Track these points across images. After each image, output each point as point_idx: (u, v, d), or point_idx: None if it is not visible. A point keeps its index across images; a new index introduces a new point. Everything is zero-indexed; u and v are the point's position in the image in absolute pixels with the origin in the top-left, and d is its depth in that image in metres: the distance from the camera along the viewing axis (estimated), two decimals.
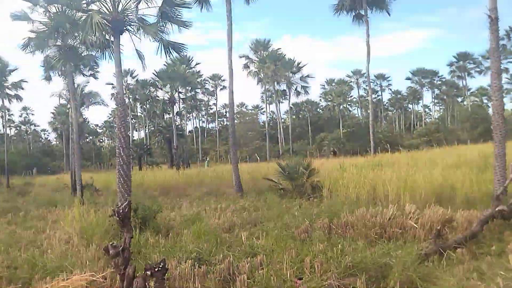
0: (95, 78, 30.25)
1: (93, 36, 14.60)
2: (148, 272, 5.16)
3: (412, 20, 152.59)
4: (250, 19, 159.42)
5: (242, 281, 5.92)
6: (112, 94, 60.87)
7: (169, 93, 47.55)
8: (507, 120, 13.97)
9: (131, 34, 15.58)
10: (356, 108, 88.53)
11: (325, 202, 13.72)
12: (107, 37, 16.03)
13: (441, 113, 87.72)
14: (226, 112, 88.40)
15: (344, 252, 7.13)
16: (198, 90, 67.15)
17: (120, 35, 15.26)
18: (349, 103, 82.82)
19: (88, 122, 73.22)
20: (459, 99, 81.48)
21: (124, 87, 46.87)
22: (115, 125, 18.85)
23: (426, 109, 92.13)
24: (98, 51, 18.02)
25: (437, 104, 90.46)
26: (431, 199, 11.76)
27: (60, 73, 27.08)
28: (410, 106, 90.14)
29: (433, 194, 12.26)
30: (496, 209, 8.77)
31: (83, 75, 29.58)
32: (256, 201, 15.47)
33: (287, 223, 10.30)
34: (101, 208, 14.79)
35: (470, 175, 13.24)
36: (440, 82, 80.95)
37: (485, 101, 74.00)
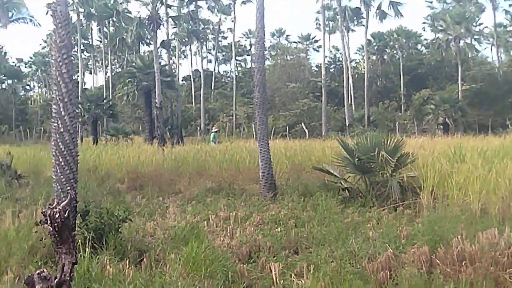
0: None
1: None
2: None
3: None
4: None
5: None
6: (48, 5, 61.13)
7: (150, 7, 47.53)
8: None
9: None
10: (489, 46, 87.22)
11: (424, 216, 13.64)
12: None
13: None
14: (250, 44, 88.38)
15: None
16: (202, 3, 67.15)
17: None
18: (476, 36, 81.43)
19: (5, 53, 74.17)
20: None
21: None
22: (51, 61, 18.94)
23: None
24: None
25: None
26: None
27: None
28: None
29: None
30: None
31: None
32: (300, 209, 15.48)
33: (354, 250, 10.29)
34: (25, 208, 15.05)
35: None
36: None
37: None
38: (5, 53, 73.58)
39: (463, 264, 9.04)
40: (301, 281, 8.70)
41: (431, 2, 78.88)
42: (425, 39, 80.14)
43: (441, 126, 52.87)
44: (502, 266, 8.82)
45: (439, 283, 8.34)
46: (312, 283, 8.54)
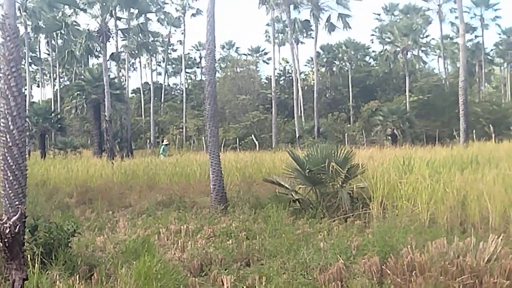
0: None
1: None
2: None
3: None
4: None
5: None
6: None
7: (100, 19, 47.34)
8: None
9: None
10: (436, 58, 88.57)
11: (374, 226, 13.77)
12: None
13: None
14: (200, 57, 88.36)
15: None
16: (152, 16, 67.03)
17: None
18: (423, 48, 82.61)
19: None
20: None
21: (17, 5, 46.67)
22: (0, 75, 18.84)
23: None
24: None
25: None
26: None
27: None
28: None
29: None
30: None
31: None
32: (251, 221, 15.49)
33: (306, 261, 10.32)
34: None
35: None
36: None
37: None
38: None
39: (413, 274, 9.15)
40: None
41: (379, 15, 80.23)
42: (373, 51, 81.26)
43: (390, 137, 53.43)
44: (451, 275, 8.93)
45: None
46: None
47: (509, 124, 53.76)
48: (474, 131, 40.64)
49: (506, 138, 34.88)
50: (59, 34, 61.40)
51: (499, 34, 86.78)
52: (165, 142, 55.81)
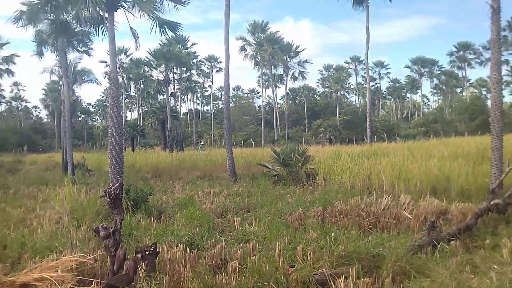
0: (88, 55, 30.06)
1: (86, 11, 14.43)
2: (139, 255, 5.17)
3: (414, 7, 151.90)
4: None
5: (234, 267, 5.95)
6: (106, 72, 59.53)
7: (164, 73, 47.21)
8: (505, 113, 14.01)
9: (125, 10, 15.40)
10: (354, 95, 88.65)
11: (319, 190, 13.79)
12: (101, 12, 15.86)
13: (439, 103, 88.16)
14: (221, 95, 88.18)
15: (337, 241, 7.14)
16: (194, 71, 66.88)
17: (115, 11, 15.08)
18: (346, 90, 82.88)
19: (80, 100, 72.45)
20: (458, 90, 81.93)
21: (117, 65, 46.39)
22: (108, 104, 18.64)
23: (424, 99, 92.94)
24: (91, 27, 17.63)
25: (436, 94, 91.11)
26: (426, 190, 11.86)
27: (52, 48, 26.75)
28: (408, 95, 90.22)
29: (428, 185, 12.34)
30: (491, 202, 8.81)
31: (76, 51, 29.45)
32: (250, 187, 15.44)
33: (281, 209, 10.31)
34: (93, 188, 14.80)
35: (466, 168, 13.29)
36: (439, 72, 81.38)
37: (484, 92, 74.63)
38: (80, 99, 71.99)
39: (341, 216, 9.15)
40: (251, 227, 8.70)
41: (322, 71, 79.80)
42: (318, 92, 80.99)
43: (328, 140, 53.32)
44: (362, 217, 8.94)
45: (328, 227, 8.41)
46: (257, 228, 8.56)
47: (395, 133, 53.72)
48: (375, 137, 40.58)
49: (393, 141, 34.82)
50: (141, 81, 61.21)
51: (389, 82, 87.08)
52: (202, 143, 55.71)
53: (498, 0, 11.39)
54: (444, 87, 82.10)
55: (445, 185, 12.30)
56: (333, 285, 5.38)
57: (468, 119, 56.43)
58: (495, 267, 6.27)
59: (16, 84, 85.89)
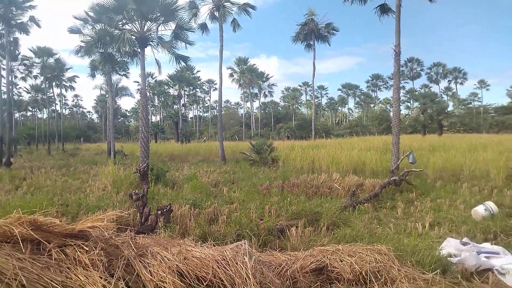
0: (127, 77, 29.88)
1: (125, 48, 14.10)
2: (159, 212, 5.13)
3: (345, 50, 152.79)
4: (237, 41, 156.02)
5: (223, 220, 5.95)
6: (138, 89, 58.46)
7: (178, 91, 46.55)
8: (401, 120, 14.29)
9: (152, 47, 15.14)
10: (304, 108, 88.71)
11: (280, 170, 13.82)
12: (135, 48, 15.59)
13: (359, 114, 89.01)
14: (216, 105, 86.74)
15: (291, 203, 7.21)
16: (198, 90, 66.02)
17: (145, 48, 14.84)
18: (299, 104, 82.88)
19: (120, 107, 70.91)
20: (372, 105, 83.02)
21: (146, 84, 45.45)
22: (139, 111, 18.38)
23: (350, 111, 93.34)
24: (128, 58, 17.62)
25: (357, 108, 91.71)
26: (349, 170, 12.06)
27: (101, 72, 26.73)
28: (339, 108, 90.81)
29: (351, 167, 12.54)
30: (391, 178, 9.04)
31: (118, 74, 29.23)
32: (234, 167, 15.34)
33: (255, 182, 10.29)
34: (128, 167, 14.51)
35: (376, 156, 13.57)
36: (360, 93, 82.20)
37: (388, 107, 75.70)
38: (120, 107, 70.44)
39: (294, 187, 9.20)
40: (235, 194, 8.68)
41: (283, 91, 79.71)
42: (281, 105, 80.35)
43: (286, 137, 53.48)
44: (308, 187, 9.00)
45: (285, 194, 8.44)
46: (239, 194, 8.54)
47: (330, 133, 54.02)
48: (318, 135, 40.65)
49: (329, 139, 35.06)
50: (162, 96, 60.10)
51: (327, 99, 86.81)
52: (204, 138, 55.14)
53: (399, 46, 11.61)
54: (362, 103, 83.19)
55: (362, 167, 12.52)
56: (288, 232, 5.44)
57: (378, 124, 57.53)
58: (393, 220, 6.43)
59: (76, 96, 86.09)
